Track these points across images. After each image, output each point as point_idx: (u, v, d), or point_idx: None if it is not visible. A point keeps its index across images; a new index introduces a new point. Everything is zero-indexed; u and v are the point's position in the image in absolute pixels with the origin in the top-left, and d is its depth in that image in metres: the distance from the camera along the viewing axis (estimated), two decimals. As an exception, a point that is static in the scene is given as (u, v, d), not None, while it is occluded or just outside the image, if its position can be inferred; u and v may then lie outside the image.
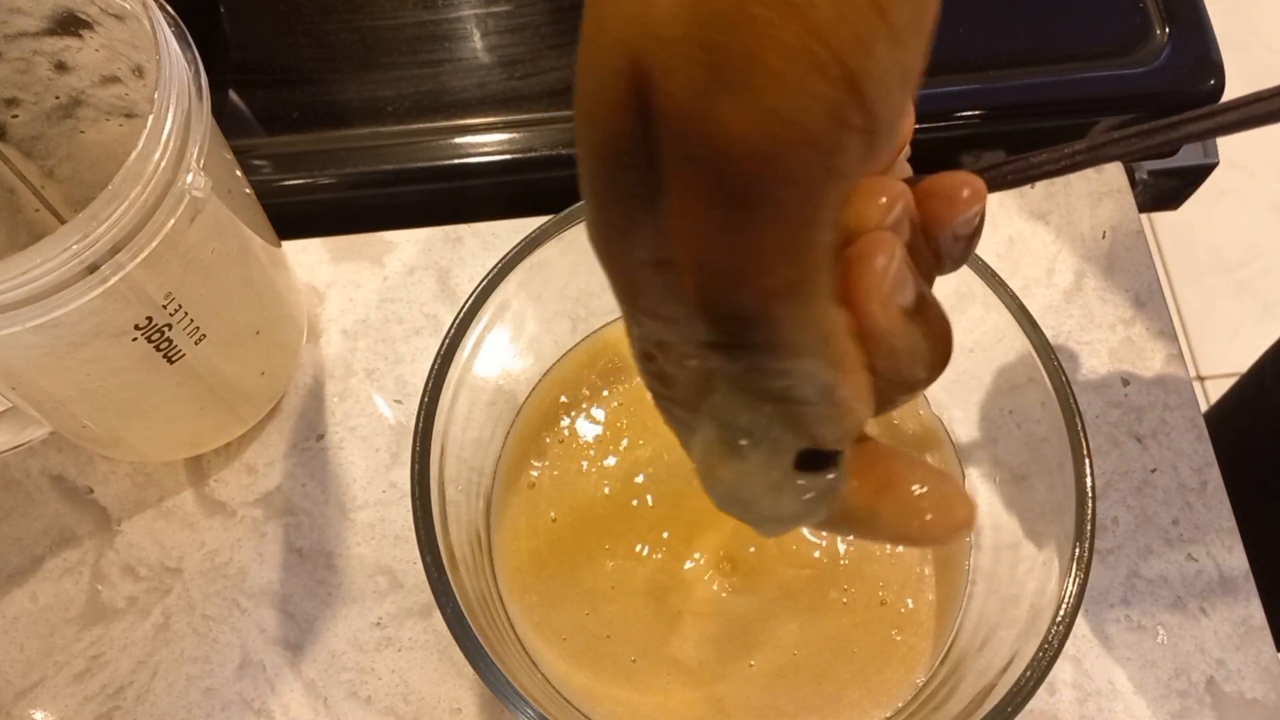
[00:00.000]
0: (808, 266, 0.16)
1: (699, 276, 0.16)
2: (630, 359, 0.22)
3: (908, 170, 0.21)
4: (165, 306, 0.32)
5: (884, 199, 0.17)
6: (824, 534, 0.36)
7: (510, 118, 0.47)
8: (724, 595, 0.35)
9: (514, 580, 0.36)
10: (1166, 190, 0.53)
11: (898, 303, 0.18)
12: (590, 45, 0.15)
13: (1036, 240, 0.45)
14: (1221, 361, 1.21)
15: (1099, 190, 0.45)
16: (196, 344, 0.34)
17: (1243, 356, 1.17)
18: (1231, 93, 0.48)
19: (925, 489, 0.21)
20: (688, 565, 0.35)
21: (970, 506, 0.21)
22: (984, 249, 0.44)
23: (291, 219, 0.43)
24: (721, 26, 0.13)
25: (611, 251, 0.17)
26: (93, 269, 0.28)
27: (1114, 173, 0.46)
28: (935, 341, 0.20)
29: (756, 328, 0.16)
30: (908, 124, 0.19)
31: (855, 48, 0.14)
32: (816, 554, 0.36)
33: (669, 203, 0.16)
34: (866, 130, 0.15)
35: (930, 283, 0.21)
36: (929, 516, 0.21)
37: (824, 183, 0.15)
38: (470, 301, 0.33)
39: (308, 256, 0.44)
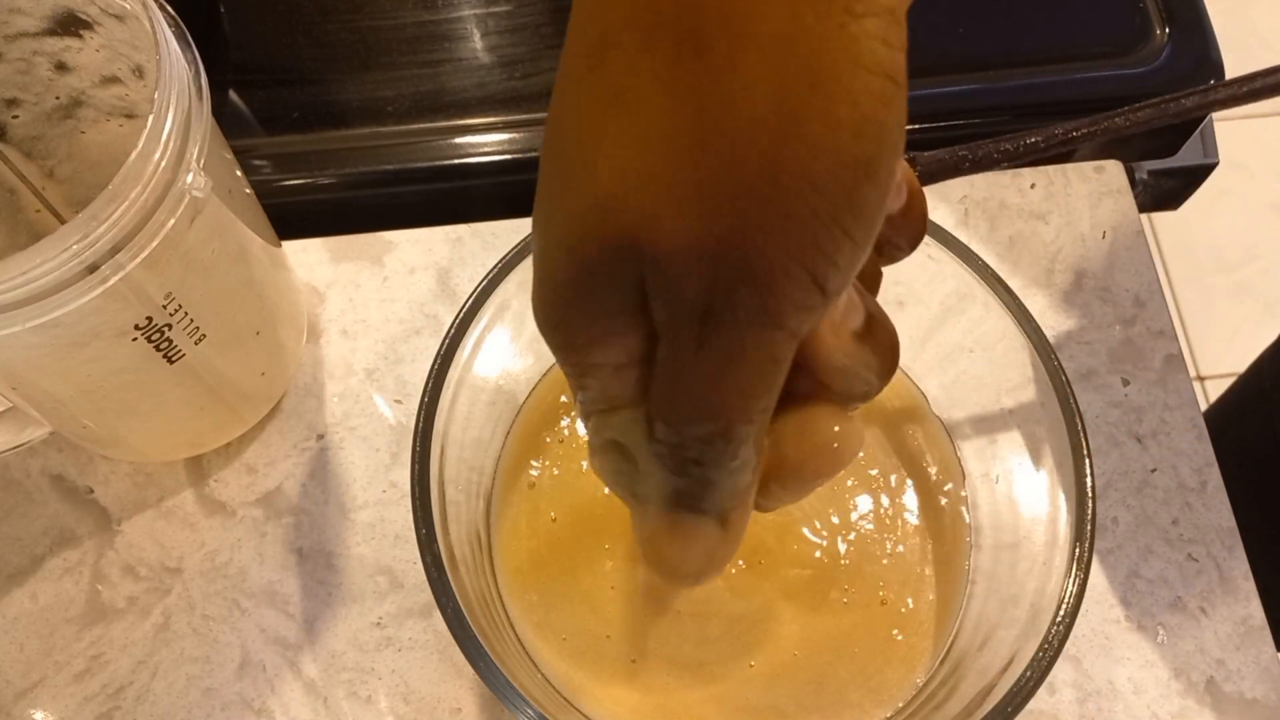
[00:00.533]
0: (766, 402, 0.20)
1: (674, 405, 0.20)
2: None
3: None
4: (165, 306, 0.32)
5: None
6: (824, 534, 0.36)
7: (510, 118, 0.47)
8: (724, 595, 0.35)
9: (514, 580, 0.36)
10: (1166, 190, 0.53)
11: (849, 328, 0.21)
12: (582, 218, 0.18)
13: (1036, 240, 0.45)
14: (1221, 361, 1.21)
15: (1099, 190, 0.45)
16: (196, 344, 0.34)
17: (1243, 356, 1.17)
18: (1231, 93, 0.48)
19: (800, 446, 0.22)
20: (688, 565, 0.35)
21: (843, 436, 0.23)
22: (984, 249, 0.44)
23: (291, 219, 0.43)
24: (723, 248, 0.17)
25: (573, 351, 0.20)
26: (93, 269, 0.28)
27: (1114, 173, 0.46)
28: (884, 354, 0.22)
29: (709, 440, 0.20)
30: None
31: (824, 263, 0.17)
32: (817, 554, 0.36)
33: (664, 350, 0.19)
34: (826, 306, 0.18)
35: (878, 280, 0.23)
36: (815, 474, 0.23)
37: (790, 346, 0.19)
38: (470, 301, 0.33)
39: (308, 256, 0.44)
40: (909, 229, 0.22)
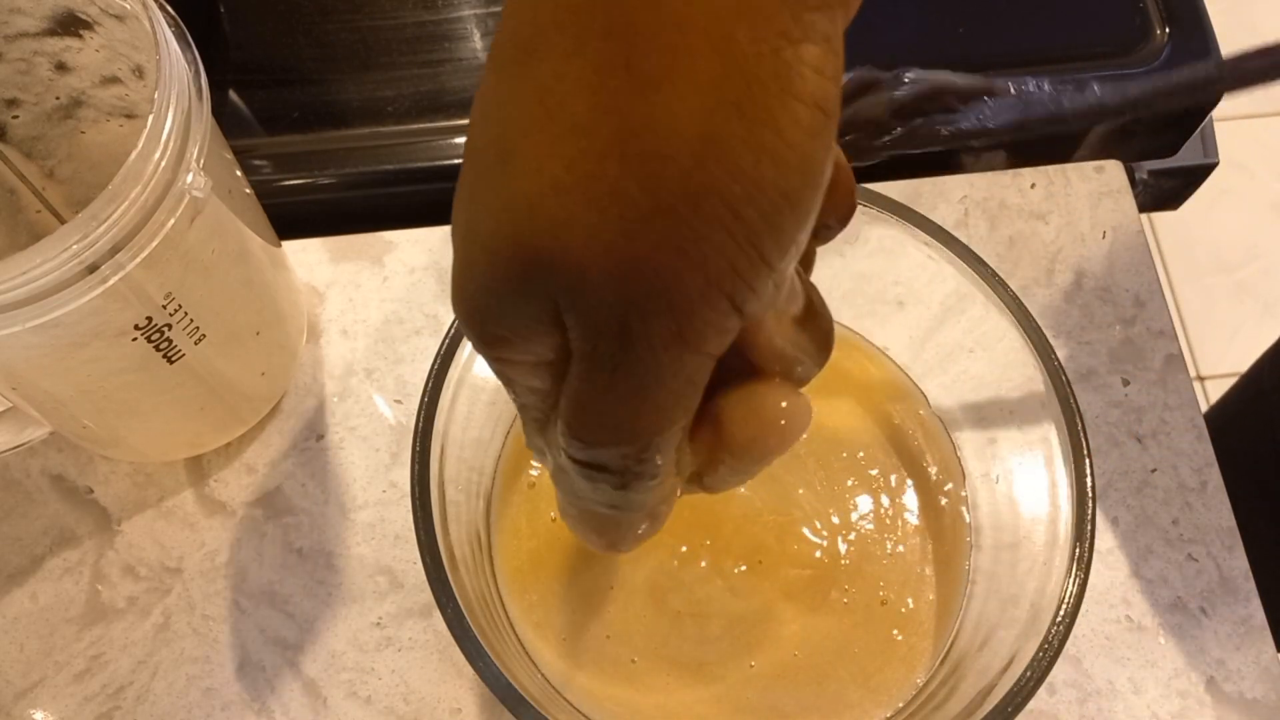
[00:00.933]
0: (681, 422, 0.20)
1: (586, 427, 0.19)
2: None
3: None
4: (165, 306, 0.32)
5: None
6: (825, 534, 0.36)
7: (510, 118, 0.47)
8: (724, 595, 0.35)
9: (514, 580, 0.36)
10: (1166, 190, 0.53)
11: (791, 314, 0.21)
12: (498, 218, 0.17)
13: (1036, 240, 0.45)
14: (1221, 361, 1.21)
15: (1099, 190, 0.45)
16: (196, 344, 0.34)
17: (1243, 356, 1.17)
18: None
19: (748, 423, 0.22)
20: (688, 565, 0.35)
21: (791, 412, 0.22)
22: (984, 249, 0.44)
23: (291, 219, 0.43)
24: (638, 270, 0.17)
25: (485, 345, 0.20)
26: (93, 269, 0.28)
27: (1114, 173, 0.46)
28: (821, 339, 0.22)
29: (622, 460, 0.20)
30: None
31: (741, 287, 0.17)
32: (817, 554, 0.36)
33: (576, 367, 0.19)
34: (740, 325, 0.18)
35: (812, 261, 0.23)
36: (764, 452, 0.22)
37: (707, 367, 0.18)
38: (470, 301, 0.33)
39: (308, 256, 0.44)
40: (838, 207, 0.22)
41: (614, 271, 0.17)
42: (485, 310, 0.19)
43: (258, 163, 0.46)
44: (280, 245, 0.40)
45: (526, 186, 0.17)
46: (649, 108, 0.16)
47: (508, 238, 0.17)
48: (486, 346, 0.20)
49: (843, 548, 0.36)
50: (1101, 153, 0.48)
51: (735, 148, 0.16)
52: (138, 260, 0.29)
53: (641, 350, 0.17)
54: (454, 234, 0.19)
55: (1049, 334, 0.42)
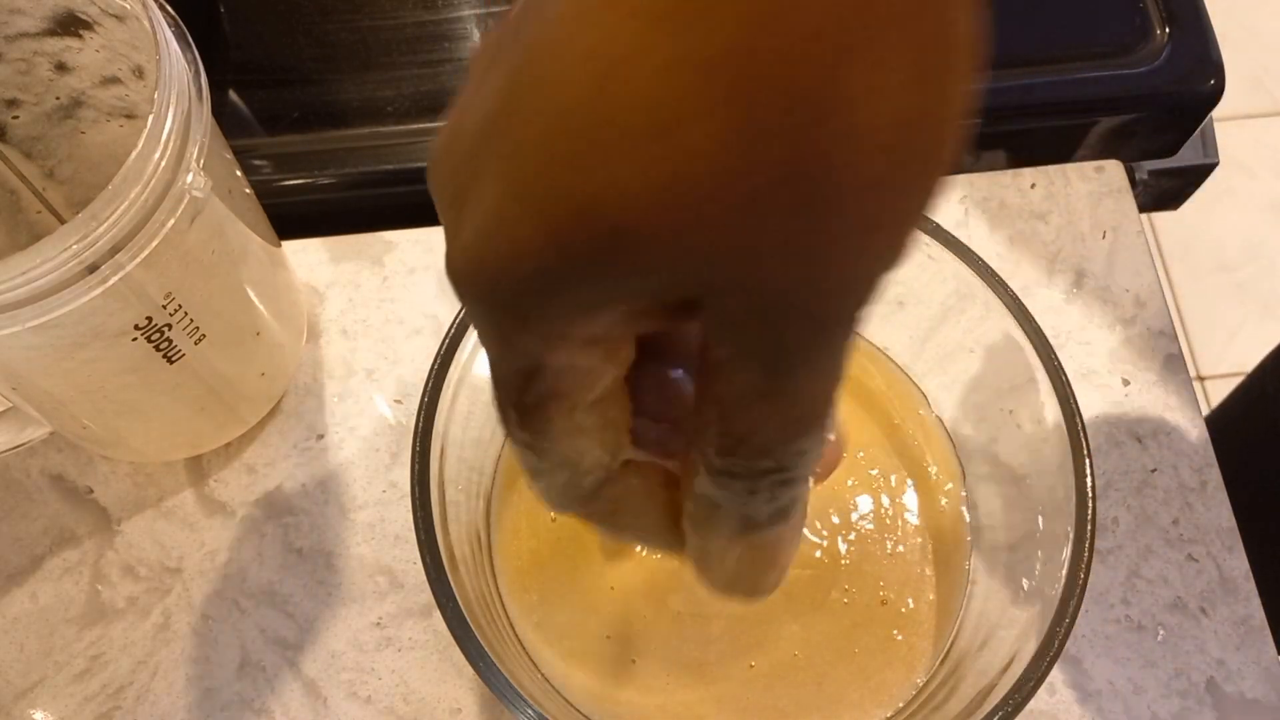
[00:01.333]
0: (829, 403, 0.18)
1: (771, 437, 0.17)
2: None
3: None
4: (165, 306, 0.32)
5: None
6: (825, 534, 0.36)
7: (510, 118, 0.47)
8: (724, 595, 0.35)
9: (514, 580, 0.36)
10: (1166, 190, 0.53)
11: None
12: (572, 196, 0.14)
13: (1036, 240, 0.45)
14: (1221, 361, 1.21)
15: (1099, 190, 0.45)
16: (196, 344, 0.34)
17: (1243, 357, 1.17)
18: (1231, 93, 0.48)
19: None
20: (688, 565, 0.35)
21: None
22: (984, 249, 0.44)
23: (291, 219, 0.43)
24: (811, 259, 0.14)
25: (537, 322, 0.16)
26: (93, 269, 0.28)
27: (1114, 173, 0.46)
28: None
29: (798, 454, 0.18)
30: None
31: (886, 268, 0.15)
32: (817, 554, 0.36)
33: (705, 382, 0.17)
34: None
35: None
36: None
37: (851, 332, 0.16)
38: (470, 301, 0.33)
39: (308, 256, 0.44)
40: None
41: (778, 266, 0.14)
42: (543, 279, 0.15)
43: (258, 163, 0.46)
44: (280, 245, 0.40)
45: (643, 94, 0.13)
46: (837, 76, 0.13)
47: (589, 204, 0.14)
48: (538, 323, 0.16)
49: (843, 548, 0.36)
50: (1101, 153, 0.48)
51: (927, 131, 0.14)
52: (138, 260, 0.29)
53: (814, 346, 0.16)
54: (446, 183, 0.15)
55: (1049, 334, 0.42)
